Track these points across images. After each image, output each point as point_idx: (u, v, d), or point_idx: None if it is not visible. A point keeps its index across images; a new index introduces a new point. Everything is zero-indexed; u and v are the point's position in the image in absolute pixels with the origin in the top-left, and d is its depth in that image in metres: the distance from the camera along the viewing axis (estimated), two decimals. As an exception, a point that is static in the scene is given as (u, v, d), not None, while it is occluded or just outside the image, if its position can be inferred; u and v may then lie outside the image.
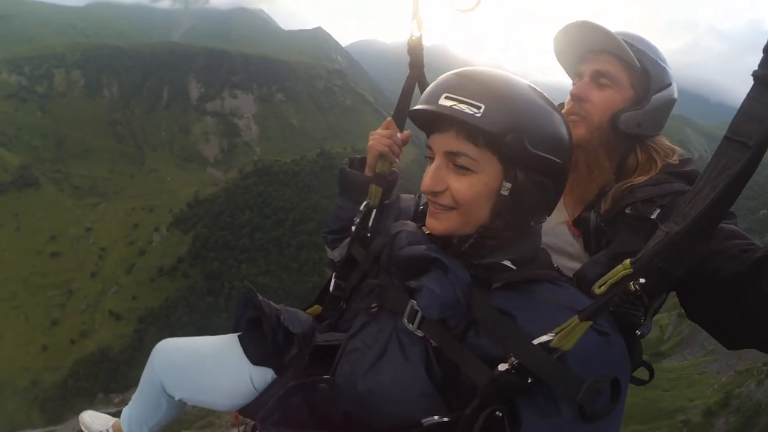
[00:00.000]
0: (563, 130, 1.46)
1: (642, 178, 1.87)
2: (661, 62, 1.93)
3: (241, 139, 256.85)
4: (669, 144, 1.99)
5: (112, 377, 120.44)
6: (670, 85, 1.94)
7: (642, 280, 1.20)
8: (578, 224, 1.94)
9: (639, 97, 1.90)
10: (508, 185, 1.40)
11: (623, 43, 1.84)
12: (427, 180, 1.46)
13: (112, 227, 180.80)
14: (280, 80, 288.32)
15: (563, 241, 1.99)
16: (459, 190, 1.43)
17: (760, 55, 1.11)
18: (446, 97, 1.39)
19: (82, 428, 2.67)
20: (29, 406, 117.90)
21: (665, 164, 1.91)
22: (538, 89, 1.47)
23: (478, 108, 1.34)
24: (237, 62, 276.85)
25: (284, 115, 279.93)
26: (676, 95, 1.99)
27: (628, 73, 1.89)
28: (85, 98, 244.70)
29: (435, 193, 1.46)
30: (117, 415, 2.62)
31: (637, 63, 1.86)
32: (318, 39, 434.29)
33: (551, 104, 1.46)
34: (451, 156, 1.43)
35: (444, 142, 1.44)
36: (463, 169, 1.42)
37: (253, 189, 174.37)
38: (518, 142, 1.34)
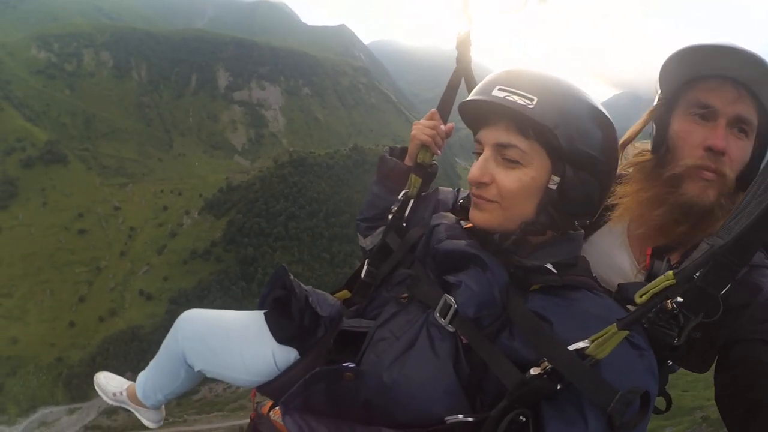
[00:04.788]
0: (608, 133, 1.44)
1: None
2: None
3: (268, 130, 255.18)
4: None
5: (141, 357, 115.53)
6: None
7: (679, 299, 1.18)
8: (651, 261, 1.73)
9: (760, 145, 1.62)
10: (557, 179, 1.39)
11: None
12: (475, 171, 1.45)
13: (141, 208, 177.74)
14: (307, 74, 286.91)
15: (615, 273, 1.78)
16: (505, 182, 1.42)
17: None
18: (499, 89, 1.40)
19: (96, 389, 2.67)
20: (53, 383, 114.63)
21: None
22: (584, 90, 1.44)
23: (531, 100, 1.35)
24: (265, 54, 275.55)
25: (310, 109, 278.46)
26: None
27: (759, 117, 1.59)
28: (114, 79, 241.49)
29: (480, 185, 1.46)
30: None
31: None
32: (342, 36, 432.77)
33: (595, 105, 1.44)
34: (500, 148, 1.43)
35: (494, 134, 1.44)
36: (511, 162, 1.42)
37: (288, 179, 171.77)
38: (568, 136, 1.35)
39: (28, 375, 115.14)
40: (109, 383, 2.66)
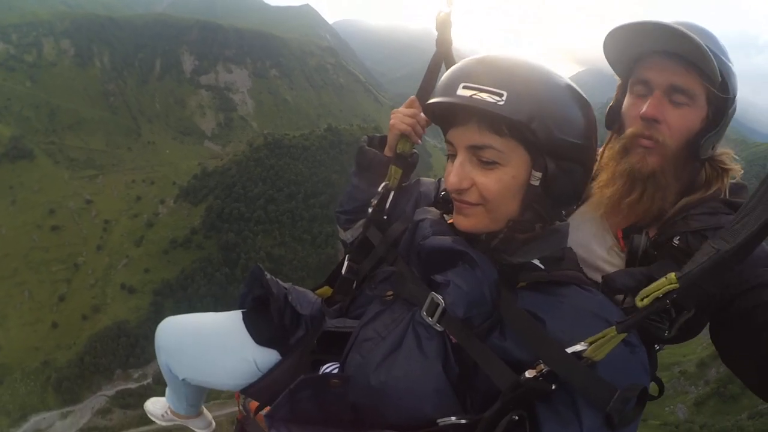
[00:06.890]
0: (586, 113, 1.39)
1: (698, 197, 1.68)
2: (731, 65, 1.63)
3: (237, 114, 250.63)
4: (732, 156, 1.74)
5: (131, 352, 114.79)
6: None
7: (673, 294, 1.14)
8: (626, 242, 1.75)
9: (715, 115, 1.64)
10: (538, 174, 1.34)
11: (708, 52, 1.51)
12: (453, 177, 1.38)
13: (114, 200, 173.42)
14: (274, 56, 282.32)
15: (596, 256, 1.80)
16: (486, 185, 1.36)
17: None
18: (464, 87, 1.31)
19: (149, 416, 2.79)
20: (42, 388, 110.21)
21: (721, 188, 1.69)
22: (555, 71, 1.38)
23: (500, 96, 1.26)
24: (230, 36, 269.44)
25: (279, 91, 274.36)
26: None
27: (705, 87, 1.60)
28: (76, 68, 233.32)
29: (460, 191, 1.39)
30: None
31: (719, 76, 1.56)
32: (306, 15, 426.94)
33: (570, 86, 1.39)
34: (475, 150, 1.36)
35: (465, 135, 1.37)
36: (489, 164, 1.35)
37: (265, 162, 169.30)
38: (545, 128, 1.28)
39: (15, 383, 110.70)
40: (155, 407, 2.77)
